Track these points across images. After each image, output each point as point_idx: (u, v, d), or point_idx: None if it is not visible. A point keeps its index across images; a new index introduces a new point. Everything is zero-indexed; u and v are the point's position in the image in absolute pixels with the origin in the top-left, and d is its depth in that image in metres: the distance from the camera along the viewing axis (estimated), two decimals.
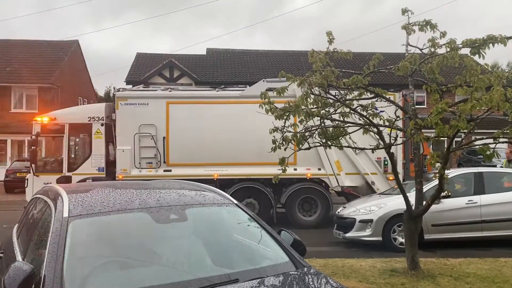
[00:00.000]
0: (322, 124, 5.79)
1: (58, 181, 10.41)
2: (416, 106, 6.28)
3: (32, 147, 11.00)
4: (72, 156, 11.66)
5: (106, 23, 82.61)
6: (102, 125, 11.15)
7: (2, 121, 24.44)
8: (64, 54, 28.11)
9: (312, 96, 5.56)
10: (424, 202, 6.08)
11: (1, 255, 3.92)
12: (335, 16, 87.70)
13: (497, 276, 6.00)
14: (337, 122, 5.88)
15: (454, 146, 5.55)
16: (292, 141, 5.74)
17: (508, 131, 4.83)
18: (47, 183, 8.56)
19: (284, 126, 5.71)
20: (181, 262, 2.94)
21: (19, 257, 3.29)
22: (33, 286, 2.41)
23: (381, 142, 5.96)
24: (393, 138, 5.89)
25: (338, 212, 9.29)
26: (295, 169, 10.54)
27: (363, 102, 6.00)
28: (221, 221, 3.52)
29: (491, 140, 4.94)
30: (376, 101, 6.07)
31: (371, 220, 8.33)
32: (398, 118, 6.03)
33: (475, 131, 5.16)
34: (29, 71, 25.67)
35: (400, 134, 7.54)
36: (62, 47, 28.65)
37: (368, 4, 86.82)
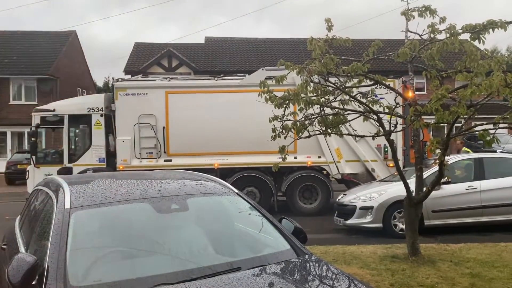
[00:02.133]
0: (322, 112, 5.78)
1: (59, 173, 10.42)
2: (416, 93, 6.25)
3: (32, 139, 11.01)
4: (72, 147, 11.68)
5: (106, 12, 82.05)
6: (101, 115, 11.14)
7: (1, 113, 24.44)
8: (62, 44, 27.98)
9: (312, 84, 5.54)
10: (424, 189, 6.10)
11: (4, 246, 3.95)
12: (344, 2, 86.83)
13: (497, 261, 6.05)
14: (337, 110, 5.87)
15: (454, 132, 5.55)
16: (292, 130, 5.74)
17: (508, 117, 4.83)
18: (48, 175, 8.60)
19: (284, 114, 5.69)
20: (183, 251, 2.96)
21: (22, 248, 3.32)
22: (36, 277, 2.44)
23: (381, 129, 5.96)
24: (393, 125, 5.89)
25: (338, 200, 9.33)
26: (295, 157, 10.57)
27: (363, 89, 5.98)
28: (222, 210, 3.54)
29: (491, 126, 4.93)
30: (375, 88, 6.06)
31: (371, 207, 8.37)
32: (398, 105, 6.01)
33: (475, 116, 5.15)
34: (27, 63, 25.59)
35: (400, 121, 7.54)
36: (59, 38, 28.51)
37: None
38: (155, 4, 72.01)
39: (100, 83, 45.34)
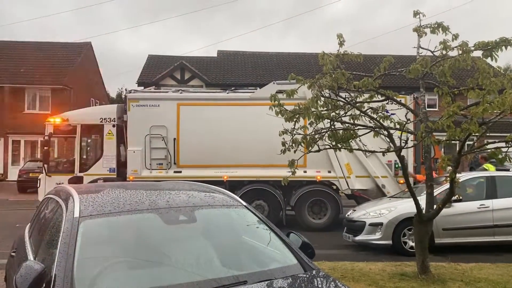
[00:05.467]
0: (332, 127, 5.78)
1: (70, 182, 10.52)
2: (428, 109, 6.22)
3: (45, 148, 11.14)
4: (84, 156, 11.78)
5: (124, 24, 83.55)
6: (113, 126, 11.25)
7: (16, 122, 24.79)
8: (77, 55, 28.44)
9: (322, 98, 5.55)
10: (435, 206, 6.03)
11: (13, 254, 3.98)
12: (372, 17, 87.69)
13: (509, 282, 5.92)
14: (347, 125, 5.86)
15: (465, 149, 5.50)
16: (302, 143, 5.74)
17: None
18: (59, 183, 8.66)
19: (294, 128, 5.70)
20: (189, 263, 2.95)
21: (30, 256, 3.34)
22: (44, 285, 2.44)
23: (392, 145, 5.93)
24: (404, 141, 5.85)
25: (348, 215, 9.25)
26: (305, 172, 10.53)
27: (374, 105, 5.97)
28: (230, 223, 3.53)
29: (503, 144, 4.88)
30: (386, 103, 6.04)
31: (381, 224, 8.27)
32: (408, 121, 5.99)
33: (487, 134, 5.10)
34: (42, 73, 26.02)
35: (411, 137, 7.48)
36: (75, 49, 28.99)
37: (407, 6, 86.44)
38: (178, 15, 73.00)
39: (113, 94, 45.88)
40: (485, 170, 10.29)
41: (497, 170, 9.80)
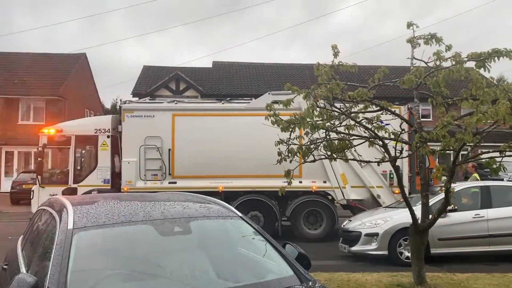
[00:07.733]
0: (328, 137, 5.79)
1: (64, 193, 10.43)
2: (422, 119, 6.26)
3: (39, 159, 11.07)
4: (78, 167, 11.68)
5: (118, 35, 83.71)
6: (108, 137, 11.20)
7: (10, 133, 24.67)
8: (72, 66, 28.45)
9: (318, 108, 5.56)
10: (430, 216, 6.03)
11: (6, 267, 3.93)
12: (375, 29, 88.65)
13: None
14: (342, 135, 5.87)
15: (460, 159, 5.52)
16: (298, 154, 5.73)
17: None
18: (53, 195, 8.60)
19: (290, 138, 5.70)
20: (185, 275, 2.92)
21: (23, 269, 3.29)
22: None
23: (387, 155, 5.94)
24: (399, 151, 5.86)
25: (343, 226, 9.23)
26: (300, 182, 10.50)
27: (368, 115, 5.99)
28: (226, 234, 3.51)
29: (497, 154, 4.90)
30: (381, 114, 6.07)
31: (377, 234, 8.26)
32: (403, 131, 6.01)
33: (481, 144, 5.13)
34: (37, 84, 25.97)
35: (406, 147, 7.51)
36: (69, 60, 29.01)
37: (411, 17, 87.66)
38: (177, 25, 73.12)
39: (108, 105, 45.87)
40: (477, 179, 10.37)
41: (483, 179, 9.86)
